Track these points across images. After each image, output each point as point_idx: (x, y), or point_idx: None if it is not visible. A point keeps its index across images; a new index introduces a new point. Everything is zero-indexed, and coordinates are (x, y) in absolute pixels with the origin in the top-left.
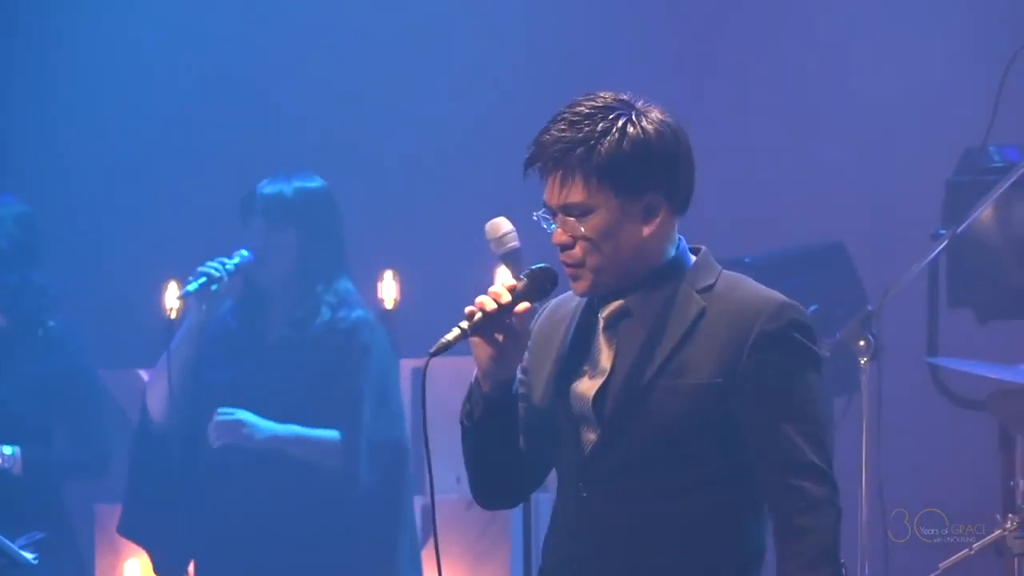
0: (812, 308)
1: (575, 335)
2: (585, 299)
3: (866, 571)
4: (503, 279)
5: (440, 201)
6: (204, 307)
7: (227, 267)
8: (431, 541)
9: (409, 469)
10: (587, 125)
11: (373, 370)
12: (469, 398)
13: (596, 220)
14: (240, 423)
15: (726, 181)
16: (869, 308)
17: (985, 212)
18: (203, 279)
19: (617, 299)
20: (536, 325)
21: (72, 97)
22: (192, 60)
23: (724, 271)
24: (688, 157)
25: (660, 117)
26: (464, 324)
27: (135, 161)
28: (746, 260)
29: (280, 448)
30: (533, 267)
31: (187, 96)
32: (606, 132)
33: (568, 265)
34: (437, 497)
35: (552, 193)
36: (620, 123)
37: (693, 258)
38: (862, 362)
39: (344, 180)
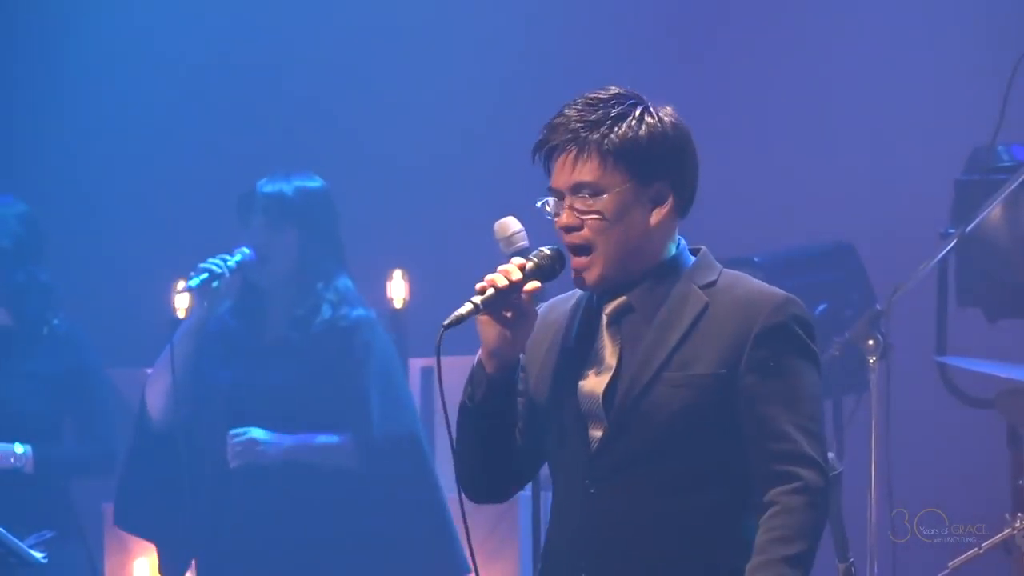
0: (821, 307)
1: (576, 334)
2: (582, 301)
3: (875, 570)
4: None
5: (449, 201)
6: (205, 303)
7: (229, 264)
8: None
9: (430, 460)
10: (603, 108)
11: (376, 367)
12: (471, 380)
13: (607, 201)
14: (254, 442)
15: (736, 181)
16: (878, 307)
17: (994, 211)
18: (205, 275)
19: (619, 295)
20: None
21: (76, 96)
22: (198, 60)
23: (724, 269)
24: (695, 157)
25: (673, 113)
26: (477, 299)
27: (141, 159)
28: (755, 260)
29: (296, 460)
30: (543, 248)
31: (194, 95)
32: (623, 116)
33: (575, 252)
34: (447, 496)
35: (563, 173)
36: (637, 111)
37: (692, 258)
38: (871, 361)
39: (353, 179)
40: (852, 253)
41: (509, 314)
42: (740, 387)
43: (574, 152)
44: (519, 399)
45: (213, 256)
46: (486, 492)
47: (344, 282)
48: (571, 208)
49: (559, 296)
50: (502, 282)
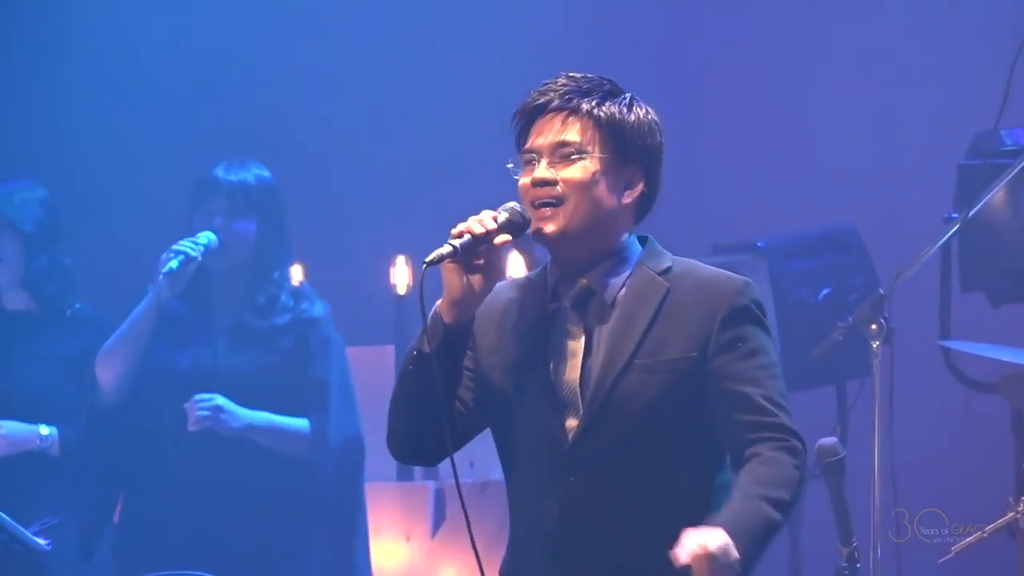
0: (825, 292)
1: (535, 320)
2: (536, 287)
3: (879, 554)
4: (515, 264)
5: (453, 187)
6: (171, 285)
7: (199, 247)
8: (444, 526)
9: (364, 462)
10: (596, 84)
11: (335, 364)
12: (426, 329)
13: (587, 164)
14: (219, 408)
15: (740, 166)
16: (881, 291)
17: (997, 196)
18: (182, 256)
19: (576, 278)
20: (479, 311)
21: (90, 83)
22: (204, 53)
23: (674, 256)
24: (662, 166)
25: (657, 117)
26: (456, 242)
27: (151, 146)
28: (759, 244)
29: (252, 436)
30: (510, 205)
31: (197, 86)
32: (615, 95)
33: (542, 205)
34: (448, 481)
35: (547, 132)
36: (627, 97)
37: (640, 247)
38: (874, 345)
39: (358, 166)
40: (856, 237)
41: (480, 262)
42: (710, 368)
43: (564, 113)
44: (468, 373)
45: (183, 239)
46: (413, 450)
47: (295, 273)
48: (549, 165)
49: (503, 282)
50: (478, 229)
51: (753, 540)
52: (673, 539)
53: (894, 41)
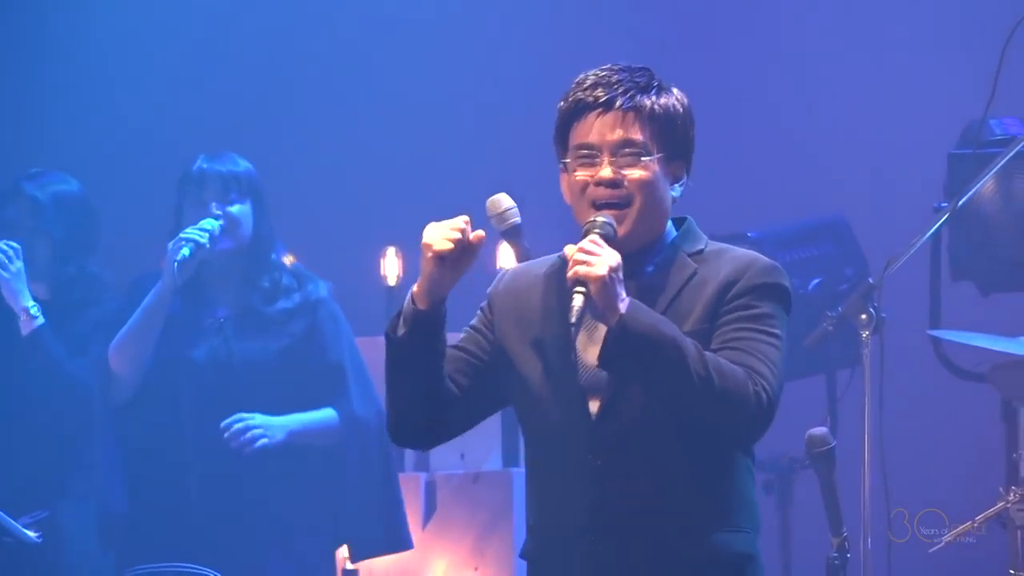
0: (815, 282)
1: (559, 306)
2: (557, 272)
3: (869, 544)
4: (505, 256)
5: (442, 177)
6: (180, 274)
7: (206, 234)
8: (434, 517)
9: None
10: (647, 77)
11: (346, 342)
12: (400, 313)
13: (649, 163)
14: (259, 428)
15: (730, 156)
16: (871, 281)
17: (986, 185)
18: (192, 244)
19: None
20: (498, 294)
21: (71, 84)
22: (188, 42)
23: (710, 240)
24: None
25: None
26: (582, 289)
27: (139, 138)
28: (750, 235)
29: (292, 442)
30: (601, 220)
31: (186, 78)
32: (665, 89)
33: (606, 205)
34: (439, 472)
35: (612, 129)
36: (674, 89)
37: (675, 230)
38: (864, 335)
39: (348, 157)
40: (846, 228)
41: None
42: (716, 328)
43: (631, 112)
44: (470, 359)
45: (191, 227)
46: (408, 434)
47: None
48: (613, 165)
49: (523, 264)
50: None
51: (652, 334)
52: (700, 518)
53: (884, 31)
